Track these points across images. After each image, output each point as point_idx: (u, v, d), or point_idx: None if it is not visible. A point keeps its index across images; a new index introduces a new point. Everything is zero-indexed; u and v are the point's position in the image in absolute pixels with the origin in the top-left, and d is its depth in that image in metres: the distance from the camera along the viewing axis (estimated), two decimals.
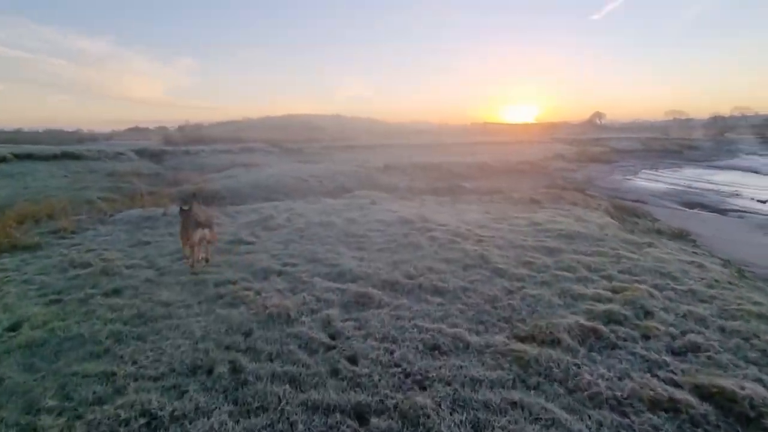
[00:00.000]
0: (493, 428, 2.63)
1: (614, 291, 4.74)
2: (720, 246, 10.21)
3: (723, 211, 17.50)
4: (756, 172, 31.41)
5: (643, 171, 30.45)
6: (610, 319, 4.09)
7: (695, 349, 3.58)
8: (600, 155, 33.01)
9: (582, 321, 3.95)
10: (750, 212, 17.32)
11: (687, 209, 17.67)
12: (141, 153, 23.39)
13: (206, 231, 6.07)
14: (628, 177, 27.18)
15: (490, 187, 17.07)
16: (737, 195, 21.27)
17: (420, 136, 50.32)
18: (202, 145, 27.66)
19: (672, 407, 2.83)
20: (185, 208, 6.00)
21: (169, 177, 17.52)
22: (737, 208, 18.08)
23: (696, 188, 23.47)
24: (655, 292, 4.67)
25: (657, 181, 26.47)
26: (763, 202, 18.88)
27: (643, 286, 4.77)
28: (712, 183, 25.66)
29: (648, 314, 4.19)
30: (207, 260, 6.23)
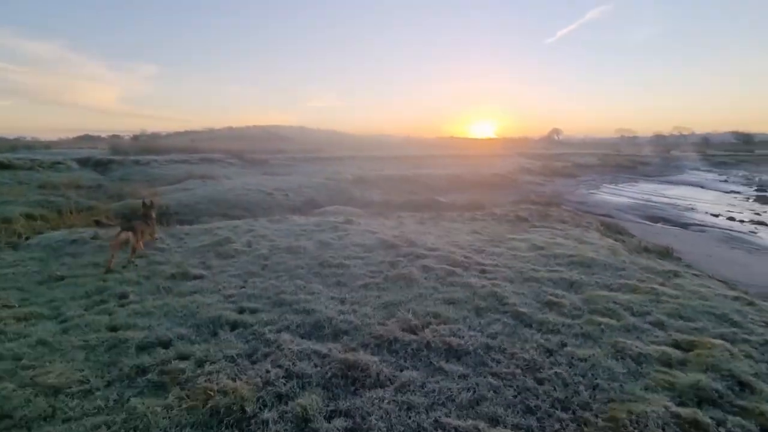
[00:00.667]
0: None
1: (680, 347, 3.57)
2: (704, 264, 9.59)
3: (685, 225, 17.43)
4: (702, 187, 32.71)
5: (603, 185, 30.88)
6: (701, 397, 2.89)
7: None
8: (562, 169, 33.27)
9: (672, 407, 2.72)
10: (708, 226, 17.35)
11: (652, 223, 17.53)
12: (84, 162, 20.67)
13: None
14: (591, 191, 27.33)
15: (468, 201, 16.04)
16: (693, 209, 21.61)
17: (387, 148, 49.41)
18: (156, 154, 25.07)
19: None
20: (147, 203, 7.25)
21: (113, 189, 15.20)
22: (696, 222, 18.12)
23: (655, 202, 23.75)
24: (732, 348, 3.55)
25: (619, 195, 26.74)
26: (716, 215, 19.14)
27: (712, 339, 3.65)
28: (667, 197, 26.21)
29: (745, 387, 3.03)
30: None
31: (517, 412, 2.78)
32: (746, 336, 3.84)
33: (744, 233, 16.25)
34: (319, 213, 11.02)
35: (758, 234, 15.42)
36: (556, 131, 74.77)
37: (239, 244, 6.90)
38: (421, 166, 29.20)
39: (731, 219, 18.88)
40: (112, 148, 26.63)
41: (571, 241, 7.64)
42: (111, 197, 13.82)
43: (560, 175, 31.70)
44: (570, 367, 3.29)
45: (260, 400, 2.87)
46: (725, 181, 36.21)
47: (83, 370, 3.30)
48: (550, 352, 3.52)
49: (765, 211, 20.65)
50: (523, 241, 7.52)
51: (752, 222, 17.59)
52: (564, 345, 3.63)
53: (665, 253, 9.43)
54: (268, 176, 20.67)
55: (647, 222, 18.28)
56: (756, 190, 30.32)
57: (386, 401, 2.85)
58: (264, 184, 16.15)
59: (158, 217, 9.73)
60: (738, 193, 28.97)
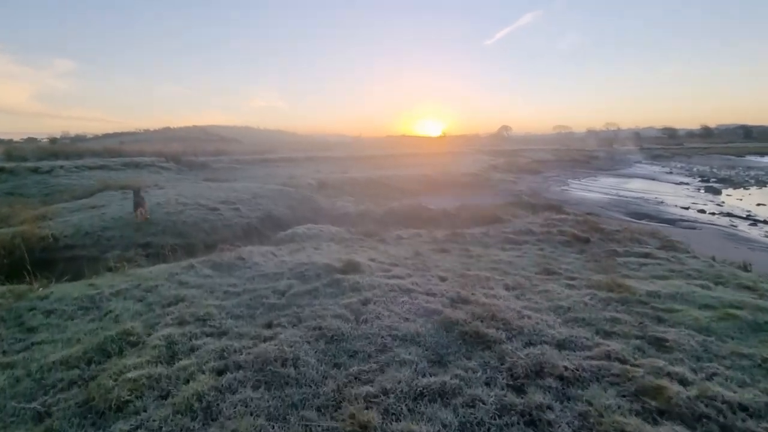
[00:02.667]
0: None
1: None
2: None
3: (671, 222, 16.26)
4: (654, 179, 33.01)
5: (569, 181, 29.99)
6: None
7: None
8: (527, 166, 32.07)
9: None
10: (692, 221, 16.34)
11: (637, 221, 16.16)
12: None
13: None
14: (563, 187, 26.09)
15: (458, 209, 13.44)
16: (663, 203, 20.90)
17: (342, 148, 46.04)
18: (65, 159, 19.92)
19: None
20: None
21: None
22: (677, 217, 17.08)
23: (626, 197, 22.84)
24: None
25: (589, 190, 25.71)
26: (686, 208, 18.67)
27: None
28: (632, 191, 25.60)
29: None
30: None
31: None
32: None
33: (737, 229, 15.46)
34: (288, 239, 7.73)
35: (741, 227, 15.12)
36: (506, 128, 75.64)
37: (146, 356, 3.35)
38: (384, 167, 26.37)
39: (702, 211, 18.37)
40: (5, 153, 20.86)
41: (698, 280, 5.08)
42: None
43: (525, 171, 30.36)
44: None
45: None
46: (670, 173, 37.03)
47: None
48: None
49: (722, 202, 20.62)
50: (654, 292, 4.71)
51: (723, 214, 17.30)
52: None
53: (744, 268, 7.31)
54: (210, 183, 16.72)
55: (633, 219, 16.89)
56: (701, 181, 30.82)
57: None
58: (206, 195, 12.42)
59: (16, 263, 5.94)
60: (687, 184, 29.25)
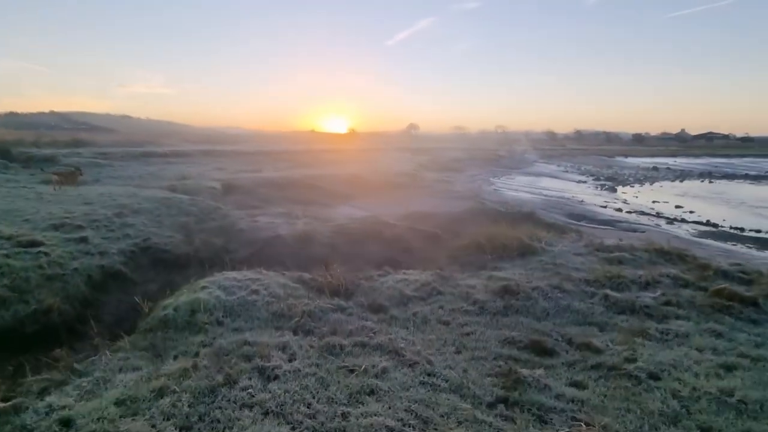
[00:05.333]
0: None
1: None
2: None
3: (610, 224, 15.66)
4: (557, 178, 34.52)
5: (491, 179, 29.36)
6: None
7: None
8: (450, 164, 30.68)
9: None
10: (622, 221, 16.08)
11: (575, 222, 15.20)
12: None
13: None
14: (492, 187, 24.99)
15: (423, 222, 10.32)
16: (583, 202, 20.93)
17: (245, 142, 39.77)
18: None
19: None
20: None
21: None
22: (609, 217, 16.73)
23: (551, 197, 22.44)
24: None
25: (516, 190, 24.94)
26: (604, 207, 18.46)
27: None
28: (551, 190, 25.65)
29: None
30: None
31: None
32: None
33: (676, 229, 15.41)
34: (182, 323, 3.55)
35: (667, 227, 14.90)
36: (413, 126, 75.69)
37: None
38: (304, 165, 22.10)
39: (619, 210, 18.54)
40: None
41: None
42: None
43: (450, 170, 28.82)
44: None
45: None
46: (566, 171, 39.40)
47: None
48: None
49: (625, 200, 21.06)
50: None
51: (638, 212, 17.28)
52: None
53: None
54: (50, 190, 10.84)
55: (575, 221, 15.88)
56: (594, 180, 32.78)
57: None
58: (27, 213, 7.17)
59: None
60: (585, 182, 30.80)
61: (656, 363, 2.64)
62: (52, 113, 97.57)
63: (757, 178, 33.26)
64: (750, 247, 12.20)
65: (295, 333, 3.38)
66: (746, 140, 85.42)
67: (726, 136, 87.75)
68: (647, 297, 3.81)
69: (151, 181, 12.96)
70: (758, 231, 14.13)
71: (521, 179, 31.09)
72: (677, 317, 3.44)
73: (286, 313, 3.79)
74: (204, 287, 4.28)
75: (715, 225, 14.96)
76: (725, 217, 16.38)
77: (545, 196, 22.25)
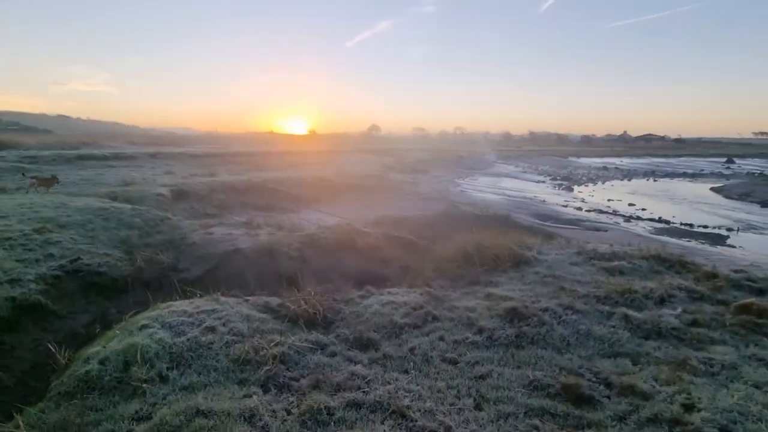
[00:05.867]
0: None
1: None
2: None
3: (574, 223, 16.00)
4: (516, 178, 35.30)
5: (456, 180, 29.41)
6: None
7: None
8: (415, 165, 30.39)
9: None
10: (585, 220, 16.52)
11: (542, 222, 15.37)
12: None
13: None
14: (459, 188, 24.91)
15: (397, 227, 9.73)
16: (545, 202, 21.37)
17: (196, 143, 37.36)
18: None
19: None
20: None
21: None
22: (572, 217, 17.12)
23: (515, 197, 22.69)
24: None
25: (480, 190, 25.06)
26: (564, 206, 18.76)
27: None
28: (513, 190, 26.03)
29: None
30: None
31: None
32: None
33: (633, 227, 16.01)
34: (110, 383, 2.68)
35: (625, 224, 15.30)
36: (375, 128, 74.93)
37: None
38: (263, 168, 20.79)
39: (579, 209, 19.07)
40: None
41: None
42: None
43: (416, 171, 28.50)
44: None
45: None
46: (524, 172, 40.49)
47: None
48: None
49: (582, 199, 21.61)
50: None
51: (596, 211, 17.61)
52: None
53: None
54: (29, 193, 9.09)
55: (541, 222, 16.01)
56: (551, 180, 33.81)
57: None
58: None
59: None
60: (543, 182, 31.72)
61: (721, 411, 2.16)
62: None
63: (694, 176, 35.85)
64: (703, 243, 12.71)
65: (265, 389, 2.59)
66: (679, 141, 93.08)
67: (662, 138, 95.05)
68: (669, 316, 3.40)
69: (87, 188, 11.37)
70: (705, 227, 14.86)
71: (484, 180, 31.40)
72: (712, 342, 3.04)
73: (252, 357, 2.97)
74: (144, 326, 3.35)
75: (667, 222, 15.61)
76: (673, 213, 17.21)
77: (509, 196, 22.45)
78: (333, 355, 3.13)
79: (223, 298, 4.23)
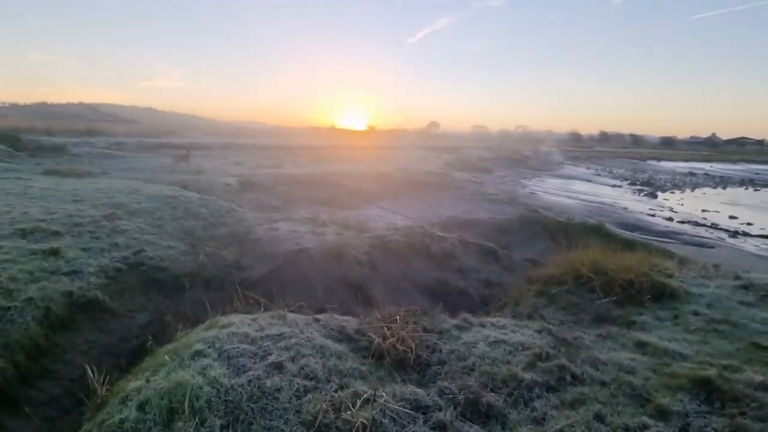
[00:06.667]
0: None
1: None
2: None
3: (667, 235, 13.72)
4: (589, 181, 32.06)
5: (522, 181, 27.31)
6: None
7: None
8: (477, 164, 28.69)
9: None
10: (682, 233, 14.07)
11: (630, 232, 13.22)
12: None
13: None
14: (527, 190, 22.96)
15: (476, 234, 8.63)
16: (627, 209, 18.83)
17: (264, 136, 38.44)
18: None
19: None
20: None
21: None
22: (664, 228, 14.70)
23: (591, 202, 20.31)
24: None
25: (554, 194, 22.84)
26: (652, 215, 16.84)
27: None
28: (587, 195, 23.45)
29: None
30: None
31: None
32: None
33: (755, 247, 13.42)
34: None
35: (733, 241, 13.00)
36: (434, 124, 72.89)
37: None
38: (325, 161, 20.51)
39: (669, 219, 16.61)
40: None
41: None
42: None
43: (479, 170, 26.83)
44: None
45: None
46: (598, 174, 36.84)
47: None
48: None
49: (671, 207, 18.89)
50: None
51: (692, 223, 15.37)
52: None
53: None
54: (54, 179, 9.52)
55: (629, 232, 13.88)
56: (630, 185, 30.29)
57: None
58: (3, 213, 5.74)
59: None
60: (620, 187, 28.50)
61: None
62: (81, 104, 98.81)
63: None
64: None
65: None
66: None
67: (760, 142, 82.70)
68: None
69: (162, 175, 11.51)
70: None
71: (553, 182, 28.86)
72: None
73: (331, 422, 2.10)
74: (197, 353, 2.63)
75: None
76: None
77: (584, 201, 20.17)
78: (442, 428, 2.17)
79: (290, 315, 3.45)
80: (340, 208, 11.95)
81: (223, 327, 3.06)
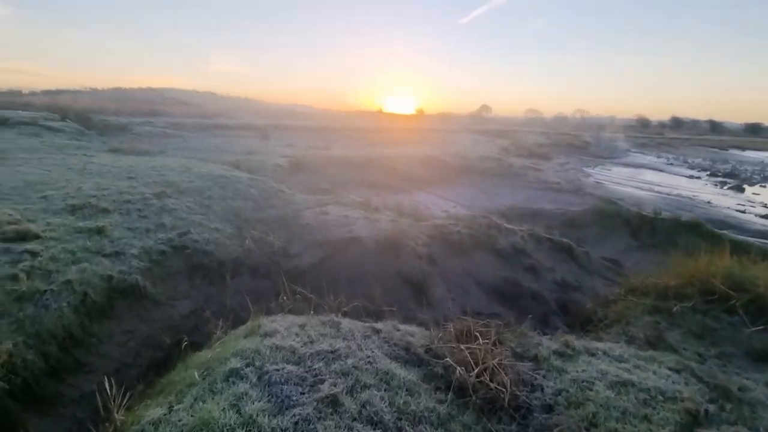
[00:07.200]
0: None
1: None
2: None
3: (764, 235, 11.51)
4: (661, 171, 28.73)
5: (585, 169, 24.98)
6: None
7: None
8: (535, 149, 26.62)
9: None
10: None
11: (718, 230, 11.23)
12: None
13: None
14: (592, 179, 20.85)
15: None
16: (710, 203, 16.34)
17: (314, 119, 38.42)
18: None
19: None
20: None
21: None
22: (763, 227, 12.42)
23: (668, 194, 17.94)
24: None
25: (621, 184, 20.62)
26: (742, 211, 14.61)
27: None
28: (660, 186, 20.82)
29: None
30: None
31: None
32: None
33: None
34: None
35: None
36: (486, 108, 69.24)
37: None
38: (374, 143, 19.85)
39: (765, 217, 14.03)
40: None
41: None
42: None
43: (535, 156, 24.87)
44: None
45: None
46: (670, 164, 33.05)
47: None
48: None
49: (763, 203, 16.42)
50: None
51: None
52: None
53: None
54: (115, 156, 9.71)
55: (717, 230, 11.94)
56: (709, 176, 26.79)
57: None
58: (59, 188, 5.69)
59: None
60: (698, 178, 25.23)
61: None
62: (149, 89, 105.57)
63: None
64: None
65: None
66: None
67: None
68: None
69: (215, 155, 11.43)
70: None
71: (619, 171, 26.16)
72: None
73: None
74: (232, 373, 2.05)
75: None
76: None
77: (660, 193, 17.87)
78: None
79: (345, 323, 2.81)
80: (388, 191, 11.26)
81: (266, 336, 2.47)
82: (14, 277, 3.25)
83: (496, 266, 5.63)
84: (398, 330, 2.90)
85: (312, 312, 3.69)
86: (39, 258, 3.57)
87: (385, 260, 5.01)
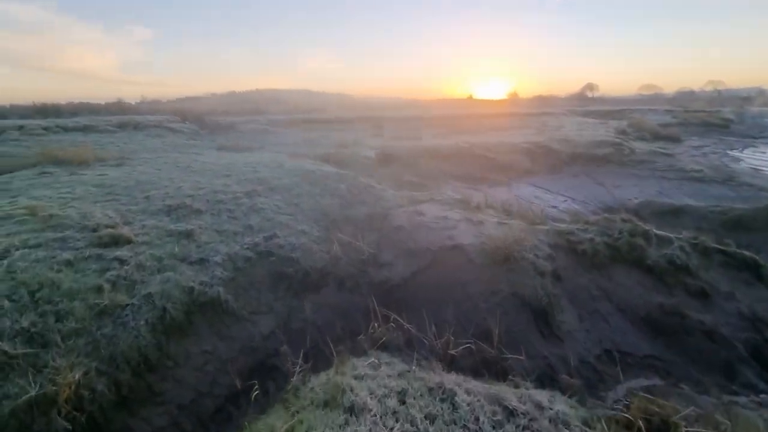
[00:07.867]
0: None
1: None
2: None
3: None
4: None
5: (730, 152, 20.06)
6: None
7: None
8: (659, 130, 22.21)
9: None
10: None
11: None
12: None
13: None
14: (747, 164, 16.60)
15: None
16: None
17: (402, 109, 37.77)
18: (42, 119, 14.49)
19: None
20: None
21: None
22: None
23: None
24: None
25: None
26: None
27: None
28: None
29: None
30: None
31: None
32: None
33: None
34: None
35: None
36: (590, 87, 60.57)
37: None
38: (466, 131, 18.32)
39: None
40: None
41: None
42: None
43: (661, 138, 20.69)
44: None
45: None
46: None
47: None
48: None
49: None
50: None
51: None
52: None
53: None
54: (219, 153, 10.22)
55: None
56: None
57: None
58: (162, 187, 5.84)
59: None
60: None
61: None
62: (257, 91, 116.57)
63: None
64: None
65: None
66: None
67: None
68: None
69: (306, 148, 11.39)
70: None
71: None
72: None
73: None
74: None
75: None
76: None
77: None
78: None
79: (460, 393, 1.91)
80: (485, 184, 9.96)
81: (350, 413, 1.70)
82: (99, 289, 3.06)
83: (647, 288, 4.17)
84: (541, 408, 1.90)
85: (407, 347, 2.86)
86: (126, 266, 3.38)
87: (495, 275, 3.95)
